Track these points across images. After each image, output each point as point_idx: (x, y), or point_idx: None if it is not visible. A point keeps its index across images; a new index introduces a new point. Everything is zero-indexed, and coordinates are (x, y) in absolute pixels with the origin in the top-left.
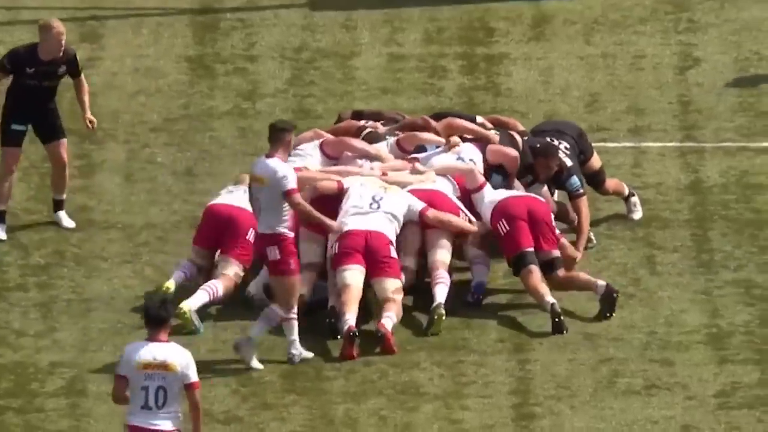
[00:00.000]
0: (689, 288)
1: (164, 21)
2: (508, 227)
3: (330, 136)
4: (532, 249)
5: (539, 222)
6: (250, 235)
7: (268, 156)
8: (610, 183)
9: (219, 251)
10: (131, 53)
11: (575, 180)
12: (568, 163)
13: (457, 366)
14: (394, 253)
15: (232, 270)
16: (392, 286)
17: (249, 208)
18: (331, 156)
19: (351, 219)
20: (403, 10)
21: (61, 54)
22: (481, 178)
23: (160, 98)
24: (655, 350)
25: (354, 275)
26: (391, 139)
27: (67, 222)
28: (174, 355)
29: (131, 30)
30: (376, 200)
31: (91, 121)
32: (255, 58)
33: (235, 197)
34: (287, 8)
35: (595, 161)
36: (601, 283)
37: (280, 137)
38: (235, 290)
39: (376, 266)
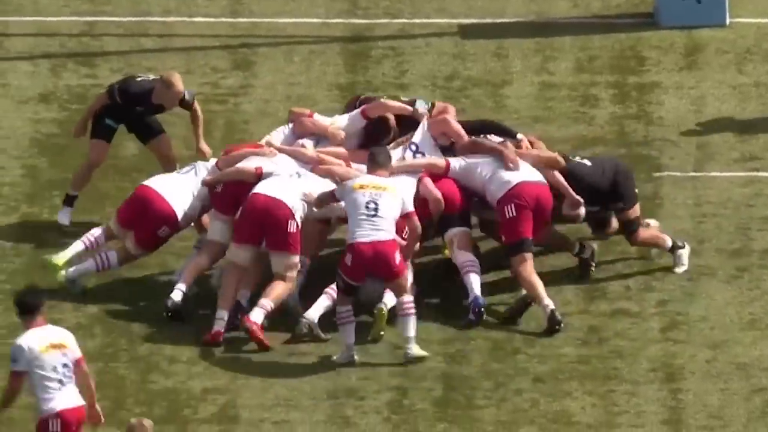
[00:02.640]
0: None
1: (316, 49)
2: (515, 213)
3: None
4: (531, 237)
5: (542, 213)
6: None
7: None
8: (644, 234)
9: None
10: (283, 81)
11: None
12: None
13: (609, 395)
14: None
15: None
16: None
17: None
18: (299, 134)
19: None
20: (555, 38)
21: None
22: (442, 161)
23: None
24: None
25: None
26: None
27: None
28: (61, 334)
29: (283, 58)
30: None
31: (204, 152)
32: (406, 87)
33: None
34: (438, 36)
35: (634, 211)
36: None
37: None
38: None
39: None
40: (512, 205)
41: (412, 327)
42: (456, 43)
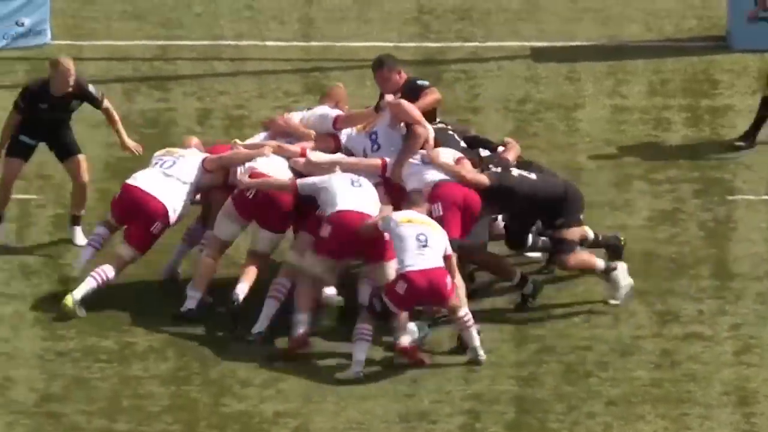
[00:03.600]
0: None
1: None
2: (441, 212)
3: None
4: (458, 238)
5: (470, 214)
6: None
7: None
8: (575, 259)
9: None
10: (355, 104)
11: None
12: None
13: (682, 419)
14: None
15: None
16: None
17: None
18: (272, 136)
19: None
20: (627, 62)
21: (71, 89)
22: (378, 161)
23: None
24: None
25: None
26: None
27: (80, 239)
28: None
29: (355, 82)
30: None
31: (131, 149)
32: (478, 110)
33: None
34: (511, 60)
35: (573, 232)
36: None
37: None
38: None
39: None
40: (438, 204)
41: (476, 337)
42: (528, 66)
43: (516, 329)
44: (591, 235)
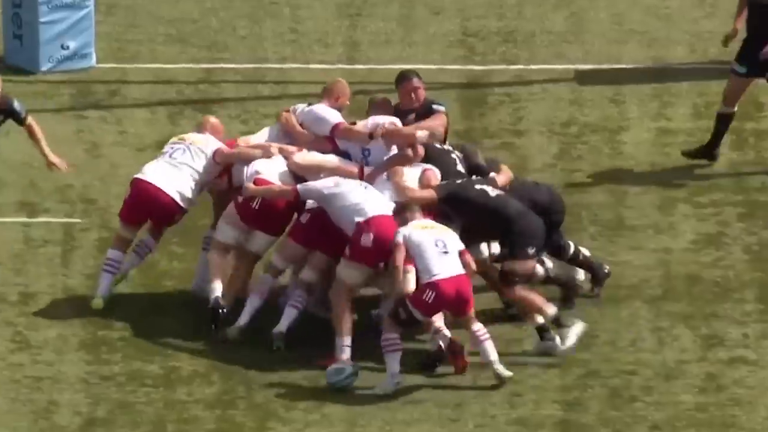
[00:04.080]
0: None
1: (432, 96)
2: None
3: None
4: None
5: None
6: None
7: None
8: (522, 292)
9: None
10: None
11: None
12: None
13: None
14: None
15: None
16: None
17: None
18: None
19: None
20: (672, 84)
21: None
22: (355, 168)
23: None
24: None
25: None
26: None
27: None
28: None
29: None
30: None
31: (56, 164)
32: (522, 133)
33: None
34: (555, 83)
35: (522, 264)
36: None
37: None
38: None
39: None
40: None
41: (492, 350)
42: (573, 89)
43: (560, 354)
44: (541, 272)
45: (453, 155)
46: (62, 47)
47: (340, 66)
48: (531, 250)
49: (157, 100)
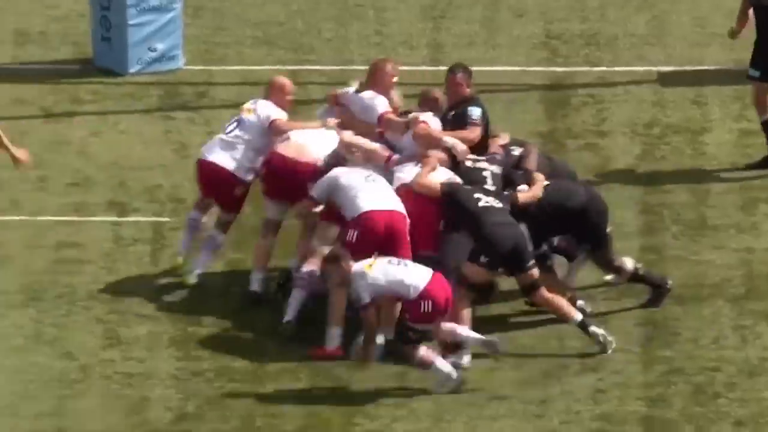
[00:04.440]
0: None
1: (516, 97)
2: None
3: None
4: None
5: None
6: None
7: None
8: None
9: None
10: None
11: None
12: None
13: None
14: None
15: None
16: None
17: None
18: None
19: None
20: None
21: None
22: (385, 154)
23: None
24: None
25: None
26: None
27: None
28: None
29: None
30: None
31: (22, 161)
32: (605, 134)
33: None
34: (637, 84)
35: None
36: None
37: None
38: None
39: None
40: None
41: (472, 337)
42: (655, 90)
43: (643, 351)
44: (630, 267)
45: (484, 173)
46: (150, 49)
47: (425, 68)
48: (483, 260)
49: (244, 101)
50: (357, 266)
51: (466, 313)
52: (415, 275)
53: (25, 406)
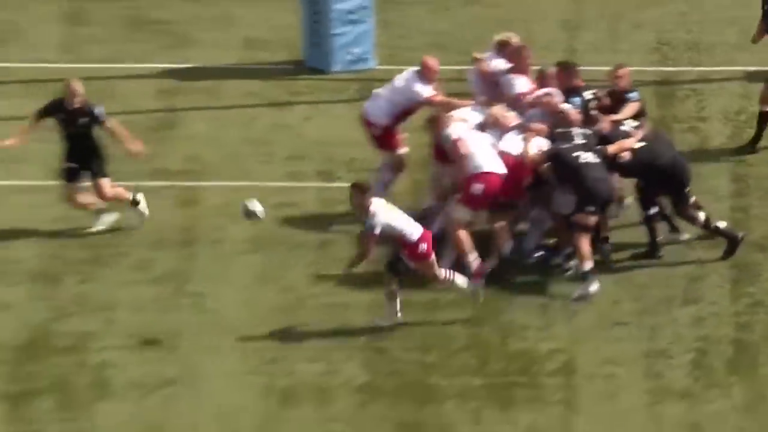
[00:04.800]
0: None
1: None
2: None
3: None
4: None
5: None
6: None
7: None
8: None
9: None
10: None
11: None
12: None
13: None
14: None
15: None
16: None
17: None
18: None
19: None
20: None
21: (78, 107)
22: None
23: None
24: None
25: None
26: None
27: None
28: None
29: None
30: None
31: (136, 153)
32: (704, 119)
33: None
34: (729, 81)
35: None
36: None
37: None
38: None
39: None
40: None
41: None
42: (743, 86)
43: (733, 287)
44: (702, 218)
45: (573, 132)
46: (349, 53)
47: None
48: (590, 209)
49: None
50: (377, 202)
51: (586, 245)
52: (414, 225)
53: (254, 331)
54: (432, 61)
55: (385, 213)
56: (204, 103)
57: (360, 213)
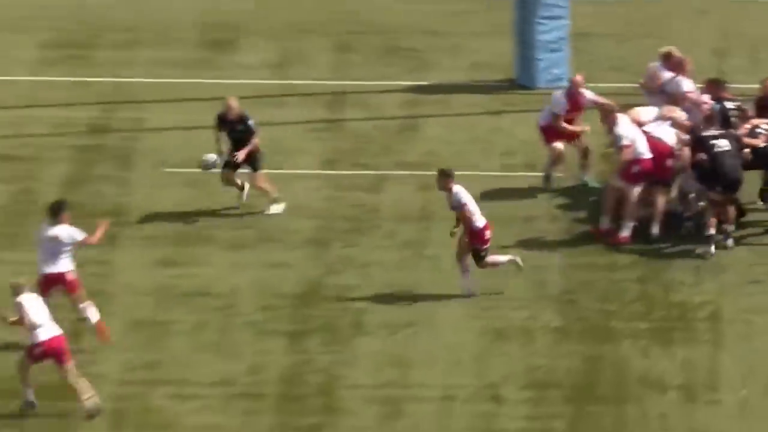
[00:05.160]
0: None
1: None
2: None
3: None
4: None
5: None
6: None
7: None
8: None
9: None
10: None
11: None
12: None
13: None
14: None
15: None
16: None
17: None
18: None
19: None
20: None
21: (235, 118)
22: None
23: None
24: None
25: None
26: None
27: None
28: None
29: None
30: None
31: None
32: None
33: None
34: None
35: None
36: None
37: None
38: None
39: None
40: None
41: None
42: None
43: None
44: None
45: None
46: (550, 74)
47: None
48: (718, 189)
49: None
50: (458, 186)
51: (731, 211)
52: (480, 214)
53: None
54: (578, 78)
55: (465, 193)
56: (438, 112)
57: (446, 194)
